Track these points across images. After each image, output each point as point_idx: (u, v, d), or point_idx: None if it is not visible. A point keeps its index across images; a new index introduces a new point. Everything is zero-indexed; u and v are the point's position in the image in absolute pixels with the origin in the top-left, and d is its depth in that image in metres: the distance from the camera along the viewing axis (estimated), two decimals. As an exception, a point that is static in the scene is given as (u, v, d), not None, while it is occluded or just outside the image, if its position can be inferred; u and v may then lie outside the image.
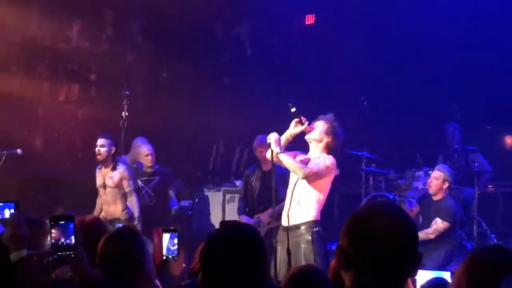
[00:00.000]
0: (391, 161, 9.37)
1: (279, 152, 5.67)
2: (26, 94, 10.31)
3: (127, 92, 8.80)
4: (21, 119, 10.27)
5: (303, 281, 3.27)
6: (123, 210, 7.74)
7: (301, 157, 5.88)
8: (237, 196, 8.44)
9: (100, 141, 7.64)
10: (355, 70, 10.62)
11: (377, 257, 1.86)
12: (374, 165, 9.05)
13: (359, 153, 8.99)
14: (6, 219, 3.81)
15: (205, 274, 2.38)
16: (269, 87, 10.55)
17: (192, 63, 11.26)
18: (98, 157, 7.68)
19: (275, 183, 5.86)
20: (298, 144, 6.05)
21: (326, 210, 5.95)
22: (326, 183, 5.80)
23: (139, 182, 8.37)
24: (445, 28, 10.29)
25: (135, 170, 8.37)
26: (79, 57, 10.85)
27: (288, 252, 5.59)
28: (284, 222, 5.81)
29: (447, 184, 7.45)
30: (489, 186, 9.26)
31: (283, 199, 6.04)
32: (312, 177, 5.68)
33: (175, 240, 3.71)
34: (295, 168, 5.70)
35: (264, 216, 7.64)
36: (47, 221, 3.31)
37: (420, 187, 8.63)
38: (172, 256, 3.70)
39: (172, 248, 3.70)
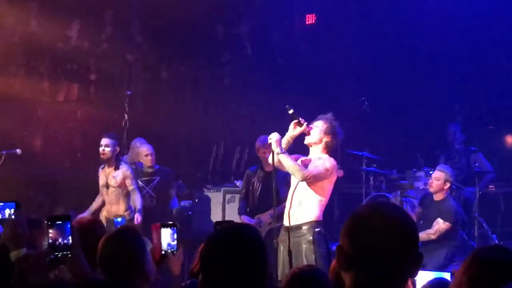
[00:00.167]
0: (392, 161, 9.35)
1: (279, 152, 5.64)
2: (26, 94, 10.30)
3: (128, 92, 8.78)
4: (21, 119, 10.27)
5: (303, 281, 3.25)
6: (126, 210, 7.76)
7: (302, 158, 5.85)
8: (237, 196, 8.41)
9: (104, 141, 7.65)
10: (355, 70, 10.61)
11: (377, 258, 1.85)
12: (375, 165, 9.04)
13: (360, 153, 8.98)
14: (6, 219, 3.79)
15: (205, 274, 2.37)
16: (269, 87, 10.53)
17: (192, 63, 11.25)
18: (102, 156, 7.69)
19: (277, 183, 5.83)
20: (299, 148, 6.02)
21: (327, 210, 5.92)
22: (327, 185, 5.76)
23: (140, 183, 8.35)
24: (446, 28, 10.27)
25: (135, 171, 8.35)
26: (78, 57, 10.84)
27: (289, 252, 5.57)
28: (286, 222, 5.79)
29: (448, 185, 7.43)
30: (490, 187, 9.22)
31: (285, 200, 6.02)
32: (311, 180, 5.64)
33: (175, 235, 3.68)
34: (294, 170, 5.66)
35: (265, 217, 7.61)
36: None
37: (421, 187, 8.60)
38: (172, 251, 3.66)
39: (172, 243, 3.67)
